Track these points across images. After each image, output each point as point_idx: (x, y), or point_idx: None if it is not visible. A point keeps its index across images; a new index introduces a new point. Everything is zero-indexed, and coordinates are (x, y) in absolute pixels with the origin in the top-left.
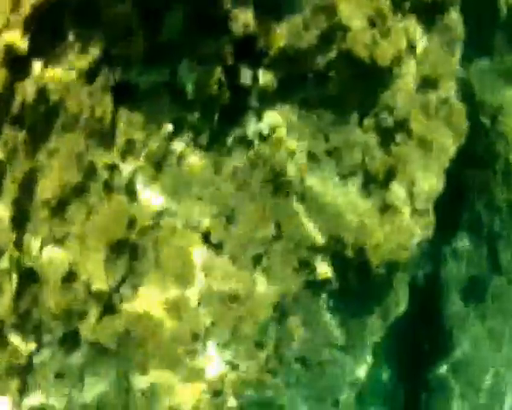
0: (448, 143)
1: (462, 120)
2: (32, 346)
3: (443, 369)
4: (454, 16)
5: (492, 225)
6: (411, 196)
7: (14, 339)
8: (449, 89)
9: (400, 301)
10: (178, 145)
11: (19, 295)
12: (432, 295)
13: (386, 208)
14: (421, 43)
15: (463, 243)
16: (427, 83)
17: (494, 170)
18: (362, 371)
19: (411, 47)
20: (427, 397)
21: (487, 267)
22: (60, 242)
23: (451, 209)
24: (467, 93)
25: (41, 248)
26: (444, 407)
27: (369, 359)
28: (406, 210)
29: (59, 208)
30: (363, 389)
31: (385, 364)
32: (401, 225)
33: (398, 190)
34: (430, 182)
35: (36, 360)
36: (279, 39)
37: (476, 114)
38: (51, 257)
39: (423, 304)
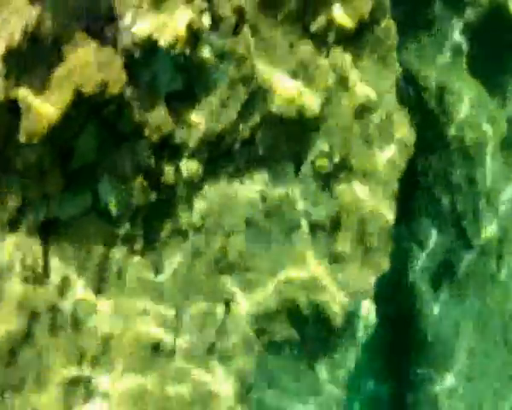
0: (395, 165)
1: (408, 131)
2: None
3: (426, 366)
4: (385, 25)
5: (455, 205)
6: (362, 236)
7: None
8: (389, 104)
9: (368, 326)
10: (114, 262)
11: None
12: (403, 291)
13: (336, 257)
14: (353, 70)
15: (427, 230)
16: (365, 108)
17: (448, 151)
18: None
19: (342, 80)
20: (414, 397)
21: (456, 248)
22: (17, 388)
23: (409, 200)
24: (410, 78)
25: (1, 396)
26: (432, 404)
27: (344, 392)
28: (358, 254)
29: (10, 358)
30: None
31: (366, 372)
32: (354, 271)
33: (346, 235)
34: (381, 217)
35: None
36: (197, 128)
37: (422, 98)
38: (12, 404)
39: (396, 303)
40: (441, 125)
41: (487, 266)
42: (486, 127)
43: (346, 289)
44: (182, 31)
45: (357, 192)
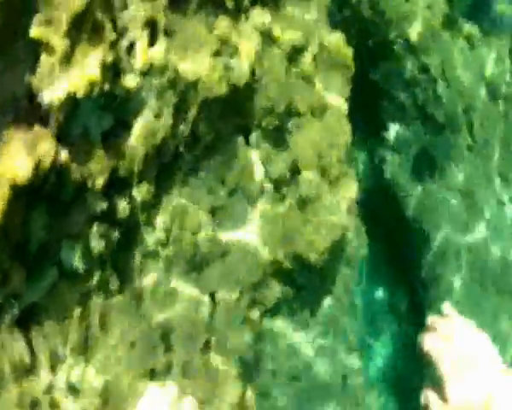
0: (341, 87)
1: (345, 51)
2: None
3: (430, 259)
4: None
5: (416, 98)
6: (324, 170)
7: None
8: (321, 34)
9: (362, 244)
10: (95, 313)
11: None
12: (387, 204)
13: (303, 200)
14: (275, 20)
15: (395, 132)
16: (296, 49)
17: (393, 51)
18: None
19: (267, 35)
20: (426, 293)
21: (428, 136)
22: None
23: (369, 111)
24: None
25: None
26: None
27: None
28: (324, 188)
29: None
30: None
31: (377, 286)
32: (324, 205)
33: (308, 176)
34: (337, 138)
35: None
36: (137, 151)
37: (355, 12)
38: None
39: (386, 218)
40: (380, 30)
41: (462, 139)
42: (425, 14)
43: (320, 226)
44: (95, 74)
45: (310, 132)
